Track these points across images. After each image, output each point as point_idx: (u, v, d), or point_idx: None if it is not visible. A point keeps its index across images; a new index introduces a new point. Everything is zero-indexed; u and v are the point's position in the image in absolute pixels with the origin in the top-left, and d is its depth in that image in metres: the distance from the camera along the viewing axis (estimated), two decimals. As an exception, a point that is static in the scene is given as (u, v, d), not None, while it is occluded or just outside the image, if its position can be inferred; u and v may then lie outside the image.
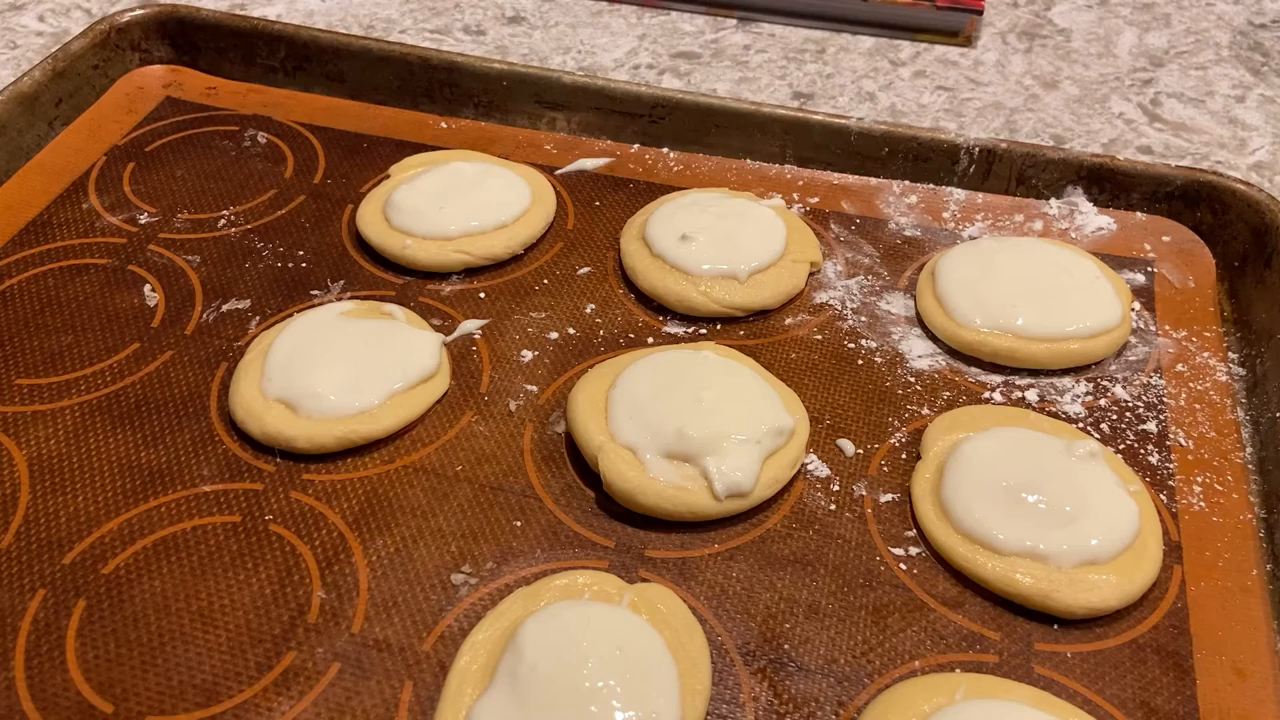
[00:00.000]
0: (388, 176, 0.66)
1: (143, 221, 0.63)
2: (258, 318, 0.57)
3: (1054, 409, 0.53)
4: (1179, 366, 0.56)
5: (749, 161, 0.68)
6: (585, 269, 0.61)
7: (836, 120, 0.67)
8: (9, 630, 0.43)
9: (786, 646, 0.43)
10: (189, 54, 0.76)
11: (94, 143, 0.69)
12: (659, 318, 0.58)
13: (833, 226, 0.64)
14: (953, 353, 0.56)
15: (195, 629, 0.43)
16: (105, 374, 0.54)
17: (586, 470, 0.49)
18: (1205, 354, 0.56)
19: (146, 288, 0.59)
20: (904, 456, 0.51)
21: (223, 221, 0.63)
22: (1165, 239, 0.63)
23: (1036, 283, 0.57)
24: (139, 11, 0.74)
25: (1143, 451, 0.51)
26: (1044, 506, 0.46)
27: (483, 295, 0.59)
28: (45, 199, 0.64)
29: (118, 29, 0.73)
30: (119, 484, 0.49)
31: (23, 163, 0.67)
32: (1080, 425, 0.53)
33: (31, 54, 0.80)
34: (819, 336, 0.57)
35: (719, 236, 0.59)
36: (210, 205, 0.65)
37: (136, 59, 0.75)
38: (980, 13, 0.84)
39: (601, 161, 0.68)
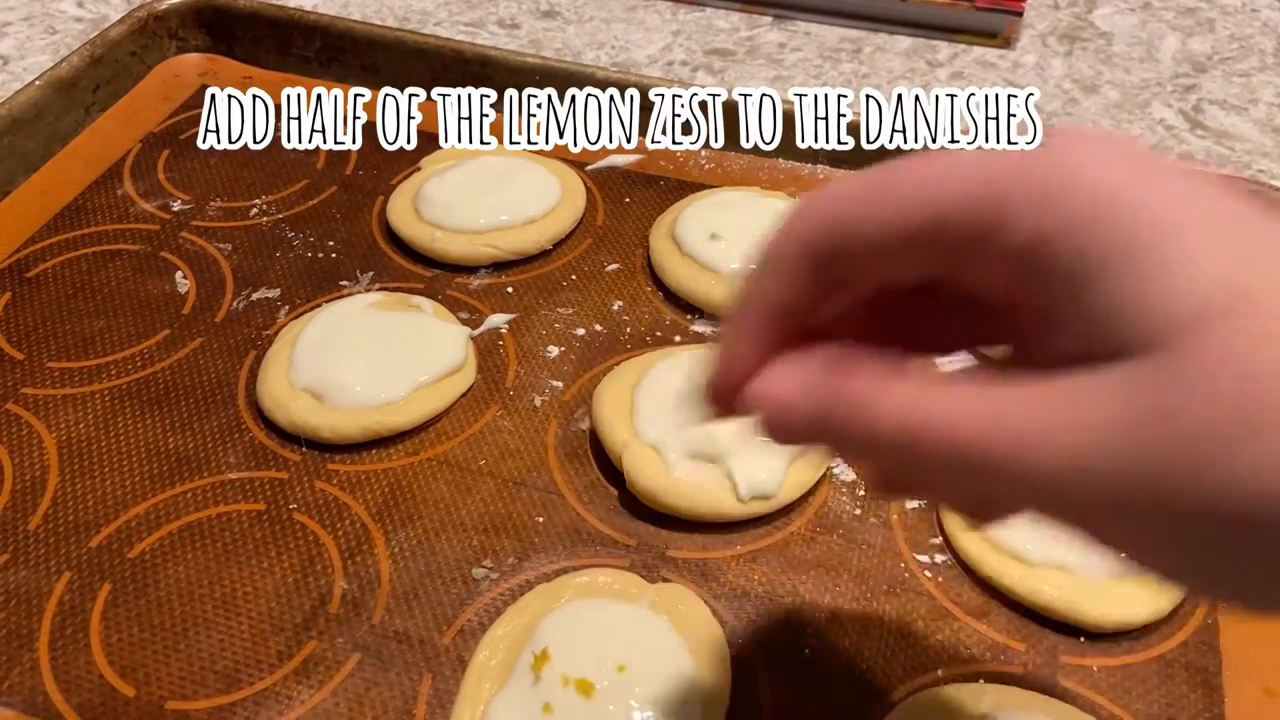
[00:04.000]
0: (419, 169, 0.66)
1: (176, 209, 0.64)
2: (287, 307, 0.58)
3: (1085, 418, 0.52)
4: (1215, 378, 0.55)
5: (781, 161, 0.68)
6: (613, 266, 0.61)
7: (871, 121, 0.66)
8: (35, 612, 0.43)
9: (808, 651, 0.43)
10: (225, 43, 0.76)
11: (130, 129, 0.70)
12: (687, 316, 0.58)
13: (864, 228, 0.63)
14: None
15: (218, 615, 0.43)
16: (136, 359, 0.54)
17: (610, 468, 0.49)
18: (1242, 366, 0.55)
19: (178, 274, 0.59)
20: (931, 462, 0.50)
21: (255, 210, 0.64)
22: (1204, 248, 0.62)
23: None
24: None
25: (1176, 464, 0.51)
26: (1073, 517, 0.45)
27: (510, 290, 0.59)
28: (80, 184, 0.65)
29: (156, 16, 0.73)
30: (146, 469, 0.49)
31: (59, 148, 0.67)
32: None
33: (70, 39, 0.81)
34: (848, 339, 0.56)
35: (749, 236, 0.58)
36: (243, 194, 0.65)
37: (174, 47, 0.75)
38: (1020, 14, 0.83)
39: (632, 158, 0.68)
